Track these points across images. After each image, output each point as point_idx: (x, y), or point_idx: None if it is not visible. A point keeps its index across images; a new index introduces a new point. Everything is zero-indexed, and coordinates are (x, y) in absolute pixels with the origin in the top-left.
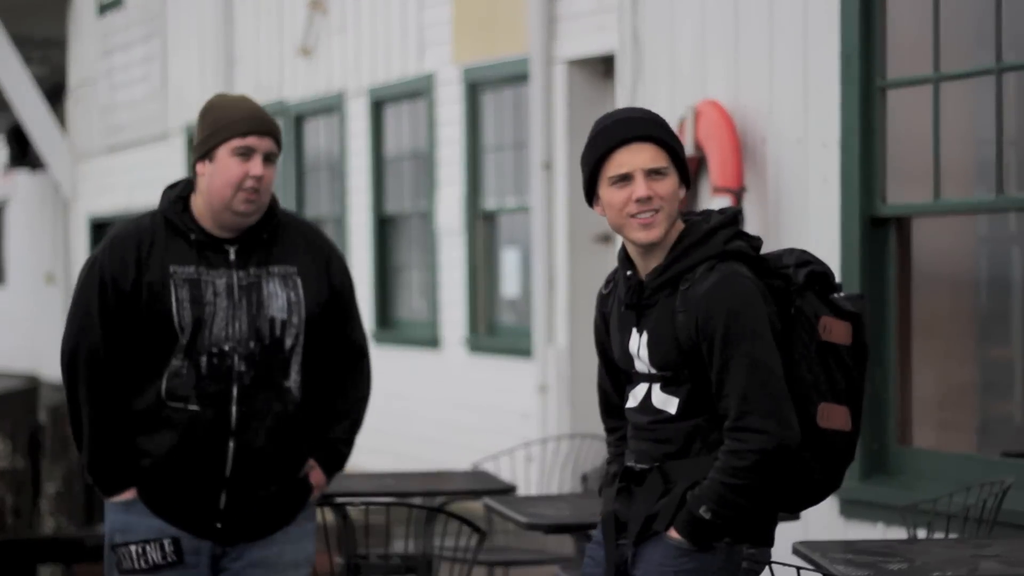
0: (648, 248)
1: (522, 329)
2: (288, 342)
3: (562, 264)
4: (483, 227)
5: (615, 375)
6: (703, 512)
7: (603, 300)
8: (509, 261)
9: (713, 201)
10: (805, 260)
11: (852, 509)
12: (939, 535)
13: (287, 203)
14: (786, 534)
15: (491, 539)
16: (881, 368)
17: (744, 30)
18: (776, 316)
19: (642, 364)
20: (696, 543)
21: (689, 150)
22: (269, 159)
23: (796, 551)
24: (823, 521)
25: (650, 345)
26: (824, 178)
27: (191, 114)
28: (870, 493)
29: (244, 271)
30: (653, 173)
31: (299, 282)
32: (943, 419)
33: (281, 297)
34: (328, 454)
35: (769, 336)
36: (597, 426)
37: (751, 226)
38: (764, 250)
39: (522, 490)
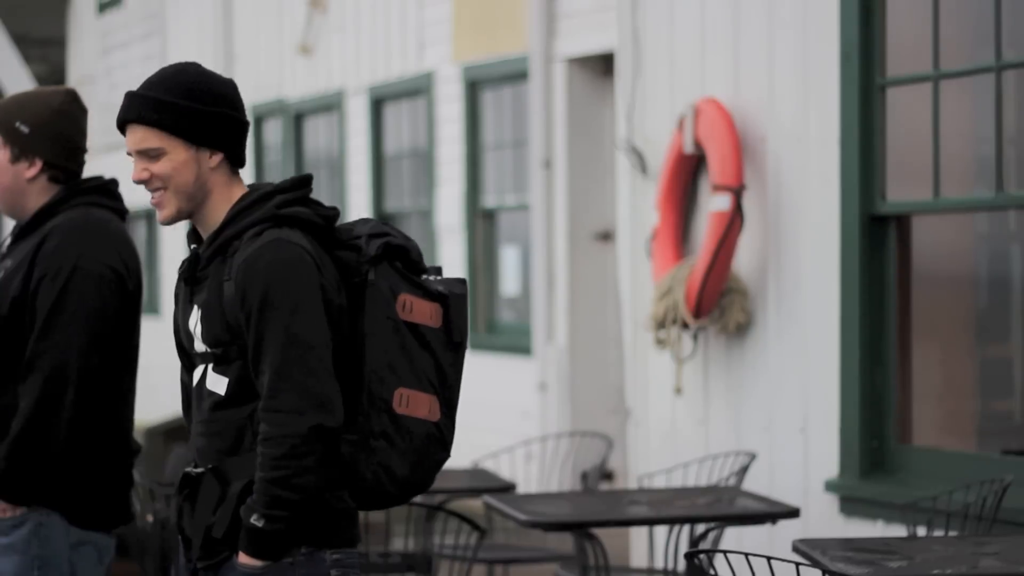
0: (171, 224)
1: (522, 327)
2: None
3: (562, 262)
4: (483, 225)
5: (186, 361)
6: (255, 521)
7: (176, 282)
8: (509, 259)
9: (713, 199)
10: (381, 232)
11: (852, 507)
12: (939, 533)
13: None
14: (786, 531)
15: (491, 537)
16: (881, 366)
17: (744, 28)
18: (339, 288)
19: (199, 342)
20: (267, 559)
21: (689, 148)
22: None
23: (796, 548)
24: (823, 518)
25: (202, 320)
26: (824, 176)
27: None
28: (870, 491)
29: None
30: (144, 155)
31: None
32: (943, 417)
33: None
34: None
35: (315, 308)
36: (597, 424)
37: (750, 224)
38: (759, 249)
39: (522, 488)
